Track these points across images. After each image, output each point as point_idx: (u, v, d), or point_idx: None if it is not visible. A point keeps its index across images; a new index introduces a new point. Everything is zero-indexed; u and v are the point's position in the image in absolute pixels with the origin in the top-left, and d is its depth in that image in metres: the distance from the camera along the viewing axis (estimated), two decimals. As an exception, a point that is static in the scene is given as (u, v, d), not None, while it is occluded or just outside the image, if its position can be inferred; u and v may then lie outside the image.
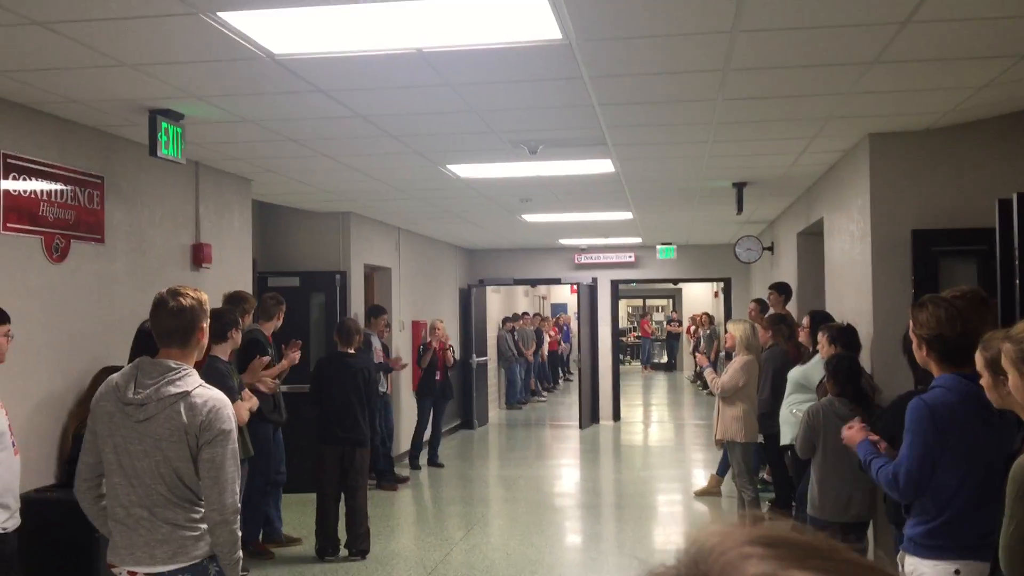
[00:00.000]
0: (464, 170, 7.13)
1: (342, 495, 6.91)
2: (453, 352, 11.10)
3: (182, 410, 3.08)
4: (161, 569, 3.09)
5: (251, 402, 5.72)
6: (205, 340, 3.28)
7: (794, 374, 6.57)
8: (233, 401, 5.38)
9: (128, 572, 3.12)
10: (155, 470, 3.09)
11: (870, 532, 5.85)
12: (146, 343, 4.61)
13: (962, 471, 3.10)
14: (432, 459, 10.97)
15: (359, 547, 6.91)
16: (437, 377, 10.75)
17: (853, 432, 3.73)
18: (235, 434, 3.18)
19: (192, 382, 3.14)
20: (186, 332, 3.17)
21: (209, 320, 3.92)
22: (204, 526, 3.16)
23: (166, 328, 3.17)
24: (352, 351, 7.07)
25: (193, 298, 3.19)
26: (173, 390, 3.09)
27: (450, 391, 11.12)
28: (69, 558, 4.64)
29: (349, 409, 6.84)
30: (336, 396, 6.85)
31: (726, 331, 8.11)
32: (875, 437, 3.63)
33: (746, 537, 0.67)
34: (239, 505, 3.17)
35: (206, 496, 3.10)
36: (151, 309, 3.22)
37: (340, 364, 6.96)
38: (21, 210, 4.83)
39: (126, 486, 3.11)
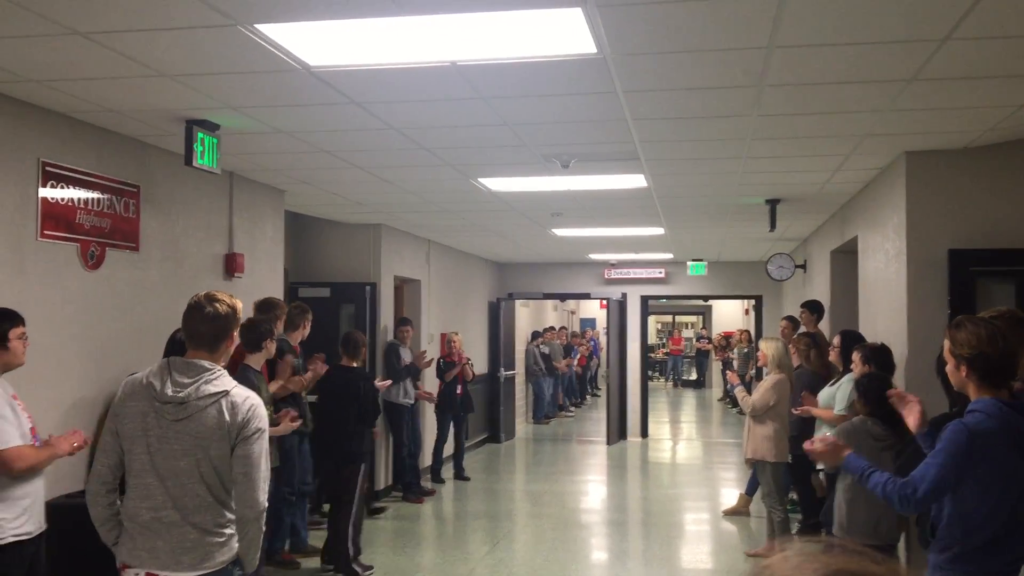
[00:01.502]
0: (496, 183, 7.14)
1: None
2: (471, 366, 11.03)
3: (224, 408, 3.10)
4: (186, 574, 3.09)
5: (293, 424, 5.71)
6: (232, 348, 3.31)
7: (823, 395, 6.49)
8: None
9: (148, 574, 3.10)
10: (194, 469, 3.10)
11: (901, 556, 5.76)
12: (178, 352, 4.63)
13: (994, 499, 3.03)
14: (458, 473, 10.95)
15: (336, 567, 6.71)
16: (458, 391, 10.72)
17: (828, 448, 3.60)
18: (268, 434, 3.21)
19: (228, 382, 3.19)
20: (217, 338, 3.21)
21: (241, 328, 3.94)
22: (230, 531, 3.17)
23: (199, 332, 3.20)
24: (355, 365, 7.05)
25: (229, 305, 3.23)
26: (212, 389, 3.12)
27: (471, 405, 11.07)
28: (99, 563, 4.66)
29: (337, 424, 6.78)
30: (327, 409, 6.83)
31: (758, 349, 8.03)
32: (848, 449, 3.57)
33: (822, 570, 0.62)
34: (266, 505, 3.20)
35: (238, 493, 3.14)
36: (186, 311, 3.24)
37: (336, 378, 6.92)
38: (58, 218, 4.89)
39: (159, 487, 3.10)
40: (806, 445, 3.74)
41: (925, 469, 3.14)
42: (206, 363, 3.17)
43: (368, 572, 6.79)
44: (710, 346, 25.75)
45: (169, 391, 3.11)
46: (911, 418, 3.58)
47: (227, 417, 3.10)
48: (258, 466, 3.14)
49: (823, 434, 6.24)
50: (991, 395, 3.12)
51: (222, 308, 3.20)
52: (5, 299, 4.25)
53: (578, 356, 21.00)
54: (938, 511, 3.20)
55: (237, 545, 3.21)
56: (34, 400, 4.21)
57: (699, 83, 4.33)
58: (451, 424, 10.77)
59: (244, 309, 6.52)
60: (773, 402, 7.21)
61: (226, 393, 3.13)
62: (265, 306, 6.46)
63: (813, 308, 8.54)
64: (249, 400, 3.17)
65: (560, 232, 10.50)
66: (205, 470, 3.11)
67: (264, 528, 3.22)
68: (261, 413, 3.19)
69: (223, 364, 3.27)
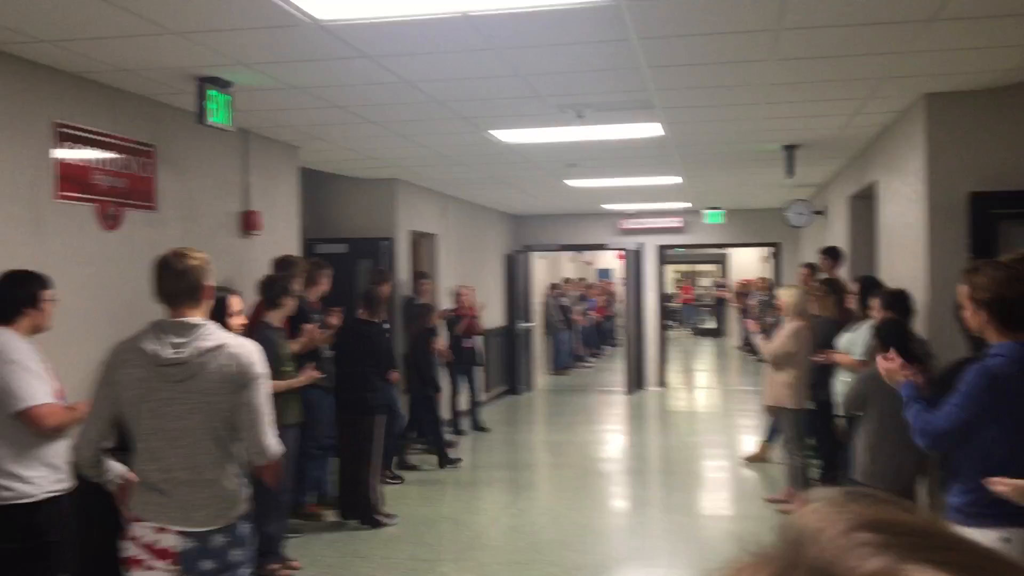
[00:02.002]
0: (509, 135, 7.09)
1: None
2: (478, 320, 10.77)
3: (226, 361, 3.14)
4: (196, 529, 3.13)
5: (310, 376, 5.77)
6: (211, 298, 3.33)
7: (842, 341, 6.47)
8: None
9: (157, 528, 3.13)
10: (206, 425, 3.13)
11: (923, 500, 5.78)
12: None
13: (1014, 441, 3.03)
14: (476, 424, 11.01)
15: (361, 517, 6.82)
16: (464, 345, 10.67)
17: (895, 366, 3.68)
18: (268, 381, 3.27)
19: (222, 334, 3.23)
20: (194, 291, 3.23)
21: (259, 285, 3.93)
22: (239, 487, 3.23)
23: (175, 289, 3.21)
24: (367, 318, 7.06)
25: (197, 258, 3.25)
26: (210, 343, 3.15)
27: (480, 357, 11.01)
28: (116, 520, 4.74)
29: (355, 377, 6.82)
30: (345, 363, 6.87)
31: (776, 297, 8.01)
32: (916, 377, 3.59)
33: (854, 521, 0.60)
34: (278, 448, 3.26)
35: (248, 439, 3.20)
36: (155, 272, 3.25)
37: (353, 331, 6.95)
38: (74, 178, 4.91)
39: (169, 448, 3.13)
40: (880, 359, 3.79)
41: (947, 408, 3.15)
42: (196, 319, 3.20)
43: (393, 520, 6.88)
44: (728, 294, 25.68)
45: (169, 353, 3.12)
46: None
47: (231, 369, 3.14)
48: (262, 412, 3.21)
49: (841, 380, 6.25)
50: (1012, 339, 3.10)
51: (191, 261, 3.22)
52: (24, 260, 4.28)
53: (595, 306, 21.01)
54: (958, 454, 3.20)
55: (248, 502, 3.27)
56: (56, 361, 4.26)
57: (715, 28, 4.27)
58: (464, 378, 10.73)
59: (263, 266, 6.57)
60: (793, 349, 7.20)
61: (223, 345, 3.16)
62: (283, 263, 6.48)
63: (832, 254, 8.49)
64: (247, 348, 3.22)
65: (574, 183, 10.45)
66: (217, 423, 3.15)
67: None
68: (259, 359, 3.24)
69: (208, 316, 3.29)
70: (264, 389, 3.24)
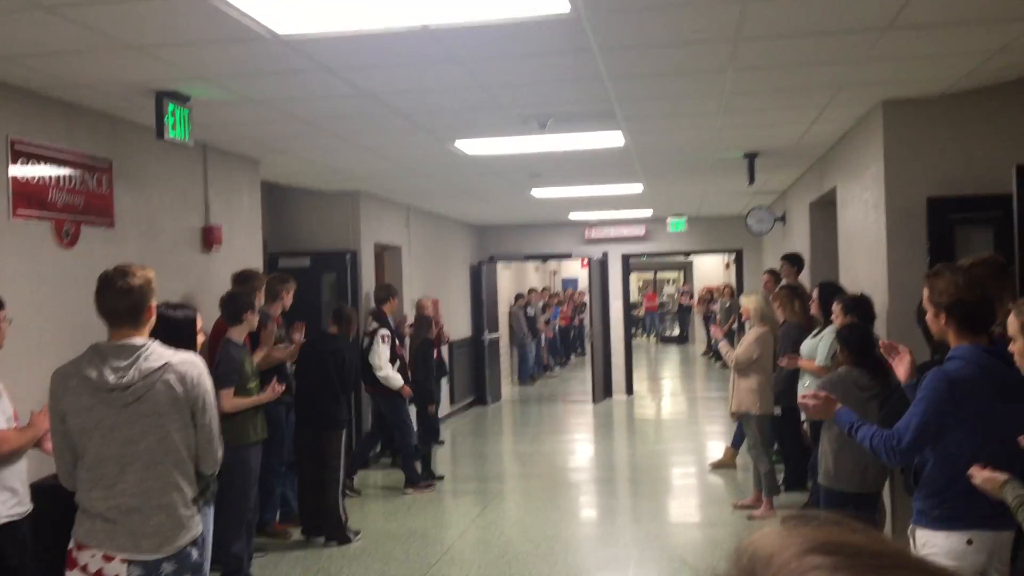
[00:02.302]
0: (473, 146, 7.08)
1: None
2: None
3: (172, 381, 3.09)
4: (145, 557, 3.06)
5: (276, 391, 5.71)
6: (153, 318, 3.24)
7: (805, 347, 6.53)
8: (229, 385, 5.41)
9: (104, 556, 3.05)
10: (156, 449, 3.08)
11: (888, 504, 5.84)
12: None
13: (977, 444, 3.06)
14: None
15: (327, 534, 6.75)
16: (435, 356, 10.63)
17: (820, 403, 3.60)
18: (213, 393, 3.30)
19: (165, 352, 3.16)
20: (136, 311, 3.14)
21: (221, 302, 3.86)
22: (190, 512, 3.19)
23: (116, 308, 3.13)
24: (334, 332, 7.01)
25: (141, 276, 3.15)
26: (154, 364, 3.08)
27: (445, 368, 11.02)
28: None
29: (318, 391, 6.77)
30: (307, 377, 6.81)
31: (739, 304, 8.07)
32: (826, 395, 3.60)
33: (805, 544, 0.61)
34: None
35: (202, 456, 3.23)
36: (96, 289, 3.16)
37: (316, 346, 6.88)
38: (30, 196, 4.82)
39: (119, 474, 3.06)
40: (799, 400, 3.75)
41: (908, 419, 3.16)
42: (136, 340, 3.12)
43: (358, 536, 6.83)
44: (693, 301, 25.85)
45: (111, 378, 3.05)
46: (900, 368, 3.59)
47: (178, 389, 3.09)
48: (215, 428, 3.25)
49: (807, 385, 6.30)
50: (970, 342, 3.14)
51: (134, 280, 3.12)
52: (-20, 281, 4.19)
53: (558, 316, 21.05)
54: (923, 458, 3.23)
55: (199, 526, 3.24)
56: (13, 381, 4.17)
57: (674, 39, 4.29)
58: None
59: (223, 282, 6.50)
60: (756, 355, 7.27)
61: (168, 365, 3.11)
62: (242, 278, 6.41)
63: (793, 260, 8.58)
64: (192, 365, 3.17)
65: (539, 193, 10.46)
66: (169, 447, 3.10)
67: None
68: (206, 375, 3.21)
69: (149, 336, 3.21)
70: (212, 403, 3.23)
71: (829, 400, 3.60)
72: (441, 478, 8.94)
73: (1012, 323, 2.82)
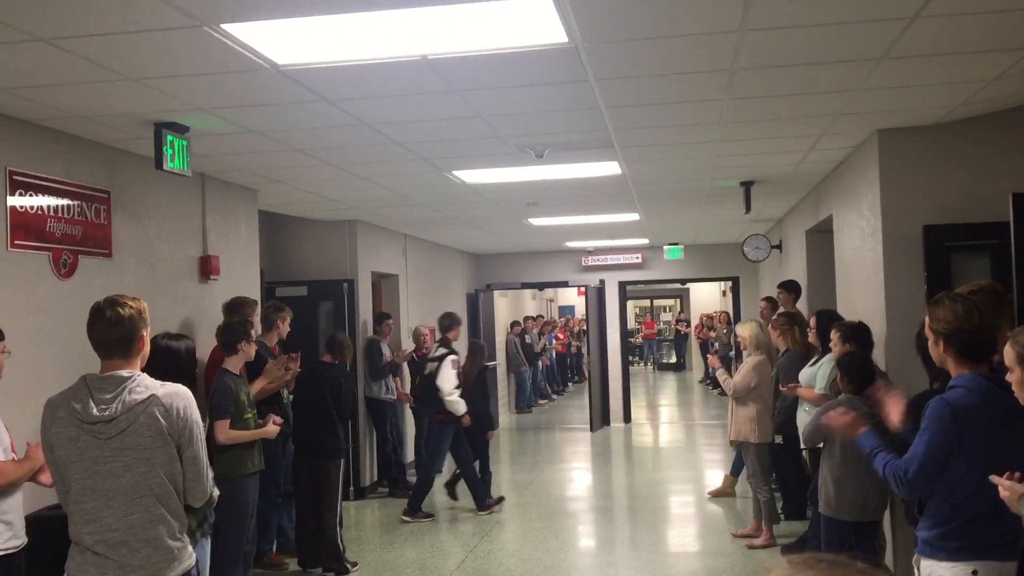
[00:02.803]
0: (471, 175, 7.11)
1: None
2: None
3: (158, 414, 3.05)
4: None
5: (275, 426, 5.68)
6: (146, 349, 3.22)
7: (803, 375, 6.51)
8: (224, 416, 5.37)
9: None
10: (141, 483, 3.04)
11: (888, 532, 5.81)
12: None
13: (980, 473, 3.03)
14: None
15: (325, 565, 6.71)
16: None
17: (850, 419, 3.62)
18: (201, 425, 3.24)
19: (151, 384, 3.12)
20: (127, 341, 3.11)
21: (217, 331, 3.80)
22: (182, 543, 3.15)
23: (106, 339, 3.10)
24: (330, 361, 6.99)
25: (132, 307, 3.13)
26: (138, 397, 3.05)
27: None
28: None
29: (316, 420, 6.74)
30: (304, 407, 6.77)
31: (735, 333, 8.07)
32: (867, 424, 3.57)
33: None
34: (215, 490, 3.35)
35: (189, 489, 3.18)
36: (88, 320, 3.15)
37: (313, 375, 6.85)
38: (28, 227, 4.82)
39: (103, 508, 3.04)
40: (824, 419, 3.71)
41: (914, 449, 3.15)
42: (123, 372, 3.09)
43: (354, 568, 6.78)
44: (690, 329, 25.85)
45: (94, 411, 3.02)
46: (894, 413, 3.58)
47: (163, 422, 3.05)
48: (203, 460, 3.19)
49: (803, 413, 6.28)
50: (971, 370, 3.13)
51: (125, 311, 3.10)
52: (-23, 312, 4.18)
53: (554, 342, 21.03)
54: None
55: (191, 558, 3.20)
56: (10, 413, 4.15)
57: (671, 69, 4.32)
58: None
59: (221, 312, 6.47)
60: (754, 383, 7.26)
61: (153, 397, 3.07)
62: (233, 307, 6.37)
63: (790, 288, 8.58)
64: (179, 399, 3.12)
65: (536, 221, 10.49)
66: (154, 481, 3.06)
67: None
68: (193, 407, 3.16)
69: (141, 366, 3.19)
70: (201, 436, 3.19)
71: (859, 419, 3.58)
72: (502, 499, 9.12)
73: (1009, 353, 2.82)
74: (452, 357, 8.47)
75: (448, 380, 8.41)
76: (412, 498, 8.62)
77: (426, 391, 8.77)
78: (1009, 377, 2.83)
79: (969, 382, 3.12)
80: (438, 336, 8.99)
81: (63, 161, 5.13)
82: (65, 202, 5.11)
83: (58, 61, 3.84)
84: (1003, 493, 2.80)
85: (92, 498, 3.04)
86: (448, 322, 8.90)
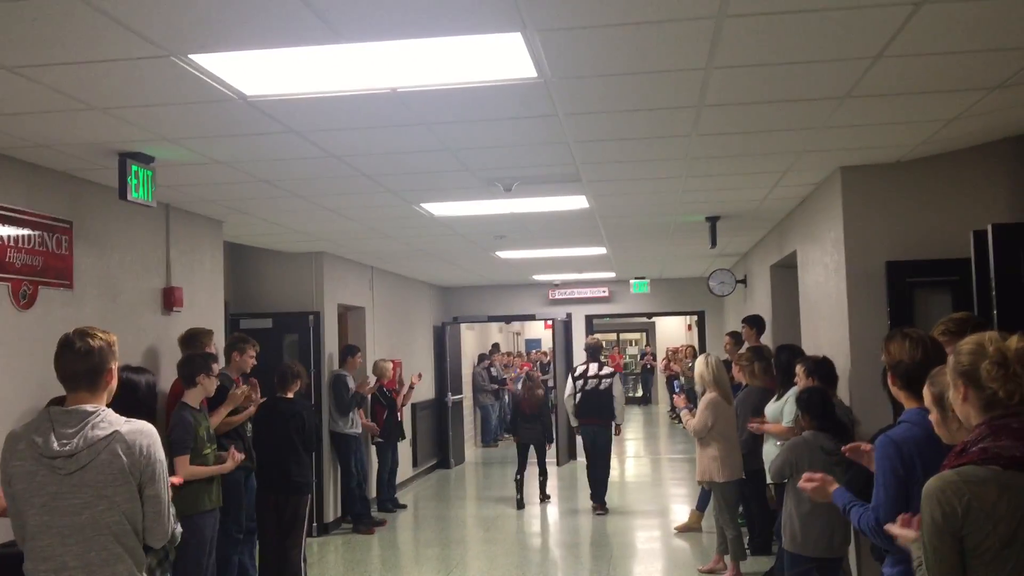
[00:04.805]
0: (439, 208, 7.10)
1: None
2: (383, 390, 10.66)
3: (120, 451, 2.98)
4: None
5: (236, 459, 5.60)
6: (114, 383, 3.16)
7: (770, 410, 6.53)
8: (183, 452, 5.28)
9: None
10: (99, 521, 2.97)
11: (853, 566, 5.82)
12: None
13: None
14: (395, 501, 10.81)
15: None
16: (399, 418, 10.62)
17: (817, 485, 3.56)
18: (164, 464, 3.17)
19: (116, 420, 3.05)
20: (95, 374, 3.05)
21: (178, 365, 3.72)
22: None
23: (74, 371, 3.04)
24: (289, 396, 6.92)
25: (102, 339, 3.08)
26: (101, 433, 2.98)
27: (402, 432, 10.91)
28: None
29: (282, 456, 6.66)
30: (269, 443, 6.68)
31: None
32: (835, 484, 3.53)
33: None
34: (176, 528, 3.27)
35: (149, 528, 3.10)
36: (56, 351, 3.08)
37: (274, 410, 6.77)
38: (-13, 256, 4.73)
39: (59, 546, 2.96)
40: (802, 485, 3.67)
41: (875, 496, 3.15)
42: (87, 407, 3.02)
43: None
44: (656, 363, 25.91)
45: (55, 445, 2.95)
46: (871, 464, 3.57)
47: (125, 459, 2.98)
48: (164, 500, 3.12)
49: (771, 447, 6.30)
50: (918, 404, 3.14)
51: (95, 343, 3.05)
52: (-68, 343, 4.08)
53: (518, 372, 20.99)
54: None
55: None
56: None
57: (639, 105, 4.36)
58: (390, 451, 10.60)
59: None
60: (711, 422, 7.19)
61: (116, 434, 3.00)
62: (188, 339, 6.26)
63: (752, 323, 8.64)
64: (143, 437, 3.05)
65: (504, 254, 10.50)
66: (112, 519, 2.99)
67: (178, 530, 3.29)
68: (158, 445, 3.10)
69: (107, 402, 3.12)
70: (164, 475, 3.12)
71: (826, 481, 3.56)
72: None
73: (926, 394, 2.81)
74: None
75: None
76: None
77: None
78: (930, 417, 2.83)
79: (914, 416, 3.14)
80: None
81: (24, 190, 5.05)
82: (26, 232, 5.02)
83: (21, 89, 3.79)
84: (901, 542, 2.78)
85: (48, 535, 2.96)
86: (596, 343, 10.80)
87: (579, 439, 11.20)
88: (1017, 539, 2.26)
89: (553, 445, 11.72)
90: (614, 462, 11.45)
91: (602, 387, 10.17)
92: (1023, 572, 2.25)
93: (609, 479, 10.54)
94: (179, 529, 3.44)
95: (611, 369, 10.42)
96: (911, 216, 5.87)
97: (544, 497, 11.31)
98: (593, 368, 10.27)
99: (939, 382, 2.72)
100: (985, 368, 2.36)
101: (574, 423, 10.60)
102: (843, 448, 3.75)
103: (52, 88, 3.79)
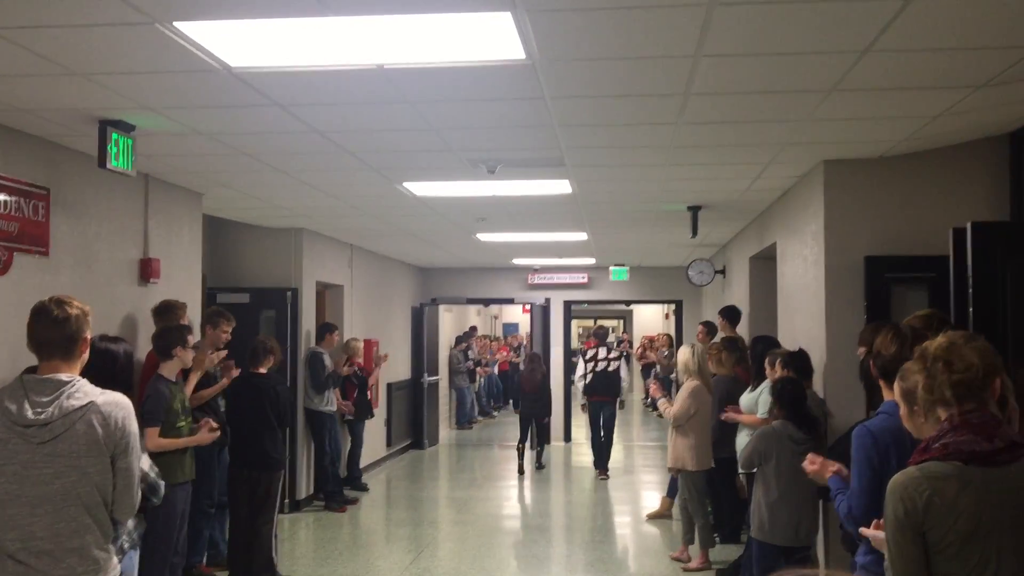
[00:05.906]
0: (421, 188, 7.07)
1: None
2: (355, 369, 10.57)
3: (95, 422, 2.96)
4: None
5: (212, 434, 5.58)
6: (87, 354, 3.14)
7: (745, 401, 6.58)
8: (154, 424, 5.25)
9: None
10: (71, 491, 2.95)
11: (821, 556, 5.88)
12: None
13: None
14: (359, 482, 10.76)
15: (256, 574, 6.59)
16: (369, 396, 10.60)
17: (818, 467, 3.66)
18: (138, 437, 3.17)
19: (91, 391, 3.04)
20: (70, 342, 3.04)
21: (152, 337, 3.69)
22: (107, 554, 3.07)
23: (49, 339, 3.02)
24: (262, 371, 6.88)
25: (78, 308, 3.07)
26: (76, 403, 2.96)
27: (370, 410, 10.85)
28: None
29: (256, 431, 6.62)
30: (243, 418, 6.65)
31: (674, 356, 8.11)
32: (836, 466, 3.58)
33: None
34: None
35: (118, 501, 3.09)
36: (30, 318, 3.06)
37: (247, 385, 6.72)
38: (-39, 220, 4.66)
39: (28, 515, 2.94)
40: (805, 465, 3.72)
41: (852, 485, 3.19)
42: (63, 376, 3.00)
43: None
44: (632, 350, 25.96)
45: (29, 414, 2.93)
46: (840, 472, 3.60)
47: (100, 431, 2.97)
48: (135, 472, 3.12)
49: (744, 437, 6.35)
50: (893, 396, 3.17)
51: (71, 311, 3.03)
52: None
53: (498, 362, 21.02)
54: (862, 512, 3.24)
55: (116, 569, 3.12)
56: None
57: (626, 90, 4.35)
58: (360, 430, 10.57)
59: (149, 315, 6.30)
60: (693, 410, 7.25)
61: (92, 404, 2.99)
62: (162, 310, 6.19)
63: (728, 314, 8.68)
64: (118, 407, 3.05)
65: (485, 237, 10.48)
66: (84, 490, 2.97)
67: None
68: (132, 418, 3.09)
69: (80, 371, 3.10)
70: (136, 447, 3.11)
71: (825, 463, 3.59)
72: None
73: (896, 388, 2.83)
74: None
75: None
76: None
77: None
78: (900, 411, 2.85)
79: (890, 407, 3.18)
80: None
81: (0, 155, 4.98)
82: (1, 197, 4.96)
83: (2, 52, 3.73)
84: (875, 544, 2.82)
85: (17, 504, 2.93)
86: (602, 329, 12.60)
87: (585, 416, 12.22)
88: (978, 534, 2.28)
89: (549, 418, 12.93)
90: (583, 449, 11.69)
91: (610, 369, 11.57)
92: (986, 567, 2.28)
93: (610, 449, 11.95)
94: (162, 484, 3.50)
95: (617, 353, 12.07)
96: (891, 212, 5.90)
97: (540, 465, 12.54)
98: (603, 352, 11.67)
99: (908, 378, 2.74)
100: (911, 370, 2.41)
101: (582, 400, 11.97)
102: (806, 465, 3.76)
103: (33, 52, 3.73)
